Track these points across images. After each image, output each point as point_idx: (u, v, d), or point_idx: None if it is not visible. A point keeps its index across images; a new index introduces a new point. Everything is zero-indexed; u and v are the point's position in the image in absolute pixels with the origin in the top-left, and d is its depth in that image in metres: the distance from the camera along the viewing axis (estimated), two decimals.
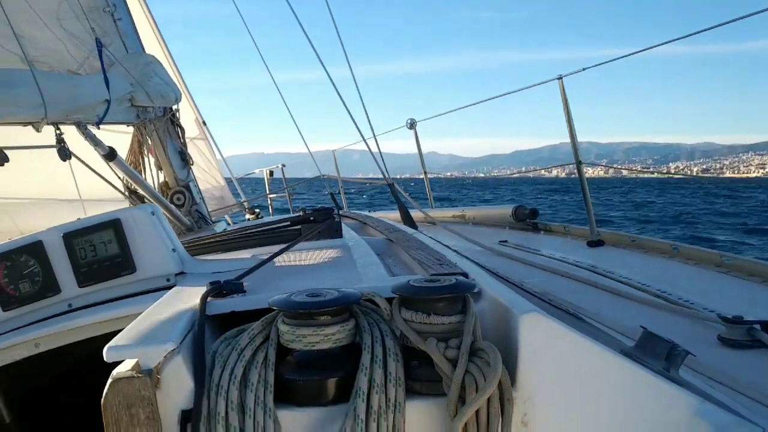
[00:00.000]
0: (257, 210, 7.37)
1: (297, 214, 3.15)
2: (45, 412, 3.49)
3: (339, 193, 7.24)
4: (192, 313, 1.60)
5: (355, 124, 4.56)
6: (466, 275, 1.77)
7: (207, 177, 7.10)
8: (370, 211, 5.46)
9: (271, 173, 7.88)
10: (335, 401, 1.34)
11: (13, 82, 3.21)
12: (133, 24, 4.81)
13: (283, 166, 7.89)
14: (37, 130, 3.42)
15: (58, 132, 3.63)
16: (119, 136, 4.85)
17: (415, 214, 4.44)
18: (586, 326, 1.63)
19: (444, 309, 1.37)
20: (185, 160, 4.96)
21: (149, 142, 4.77)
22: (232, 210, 7.37)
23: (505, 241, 3.69)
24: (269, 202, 7.98)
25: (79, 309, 2.27)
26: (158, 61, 4.86)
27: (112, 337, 1.38)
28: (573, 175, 3.76)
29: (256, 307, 1.61)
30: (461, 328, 1.36)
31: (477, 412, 1.26)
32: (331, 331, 1.35)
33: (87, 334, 2.16)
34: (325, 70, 4.51)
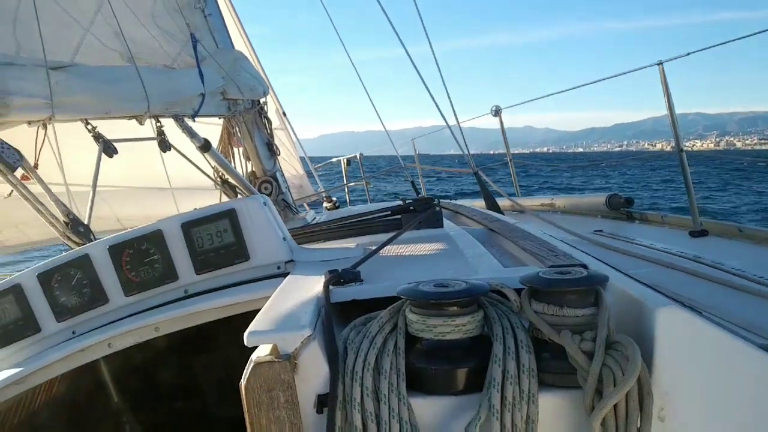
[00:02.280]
0: (334, 199, 7.46)
1: (397, 204, 3.18)
2: (148, 393, 3.66)
3: (418, 179, 7.24)
4: (316, 300, 1.65)
5: (440, 112, 4.55)
6: (585, 266, 1.76)
7: (286, 166, 7.24)
8: (450, 200, 5.45)
9: (348, 162, 7.95)
10: (465, 391, 1.36)
11: (120, 78, 3.36)
12: (222, 19, 4.95)
13: (361, 155, 7.95)
14: (141, 123, 3.57)
15: (158, 125, 3.79)
16: (208, 128, 5.00)
17: (503, 202, 4.40)
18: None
19: (576, 301, 1.36)
20: (272, 150, 5.08)
21: (238, 133, 4.90)
22: (311, 199, 7.49)
23: (600, 231, 3.61)
24: (346, 190, 8.06)
25: (195, 295, 2.36)
26: (245, 56, 4.99)
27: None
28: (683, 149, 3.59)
29: (380, 295, 1.65)
30: (593, 321, 1.35)
31: (615, 406, 1.26)
32: (462, 322, 1.37)
33: (204, 319, 2.26)
34: (409, 56, 4.50)
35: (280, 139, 7.26)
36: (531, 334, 1.40)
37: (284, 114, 7.39)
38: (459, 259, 2.18)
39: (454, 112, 4.86)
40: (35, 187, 2.84)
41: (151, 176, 5.88)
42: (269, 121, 5.12)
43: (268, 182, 5.01)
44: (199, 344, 3.63)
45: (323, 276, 1.84)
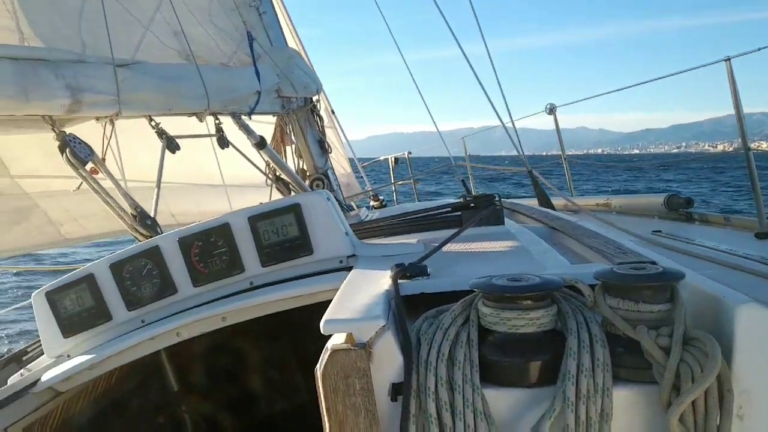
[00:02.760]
0: (381, 197, 7.48)
1: (457, 200, 3.18)
2: (205, 383, 3.75)
3: (468, 178, 7.20)
4: (386, 293, 1.68)
5: (494, 108, 4.53)
6: (655, 263, 1.75)
7: (334, 165, 7.30)
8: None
9: (396, 160, 7.96)
10: (538, 384, 1.36)
11: (182, 76, 3.44)
12: (276, 17, 5.02)
13: (409, 153, 7.95)
14: (201, 120, 3.66)
15: (217, 122, 3.87)
16: (259, 127, 5.09)
17: (557, 202, 4.35)
18: None
19: (652, 297, 1.35)
20: (323, 148, 5.14)
21: (291, 131, 4.96)
22: (358, 198, 7.53)
23: (659, 231, 3.54)
24: (394, 189, 8.07)
25: (260, 287, 2.42)
26: (299, 54, 5.06)
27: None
28: (744, 151, 3.49)
29: (450, 289, 1.67)
30: (669, 317, 1.34)
31: (693, 403, 1.25)
32: (536, 316, 1.38)
33: (269, 310, 2.32)
34: (464, 55, 4.50)
35: (328, 137, 7.33)
36: (604, 329, 1.40)
37: (333, 112, 7.45)
38: (524, 256, 2.18)
39: (507, 109, 4.81)
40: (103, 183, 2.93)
41: (204, 174, 6.00)
42: (321, 119, 5.18)
43: (320, 180, 5.07)
44: (257, 337, 3.70)
45: (388, 270, 1.87)
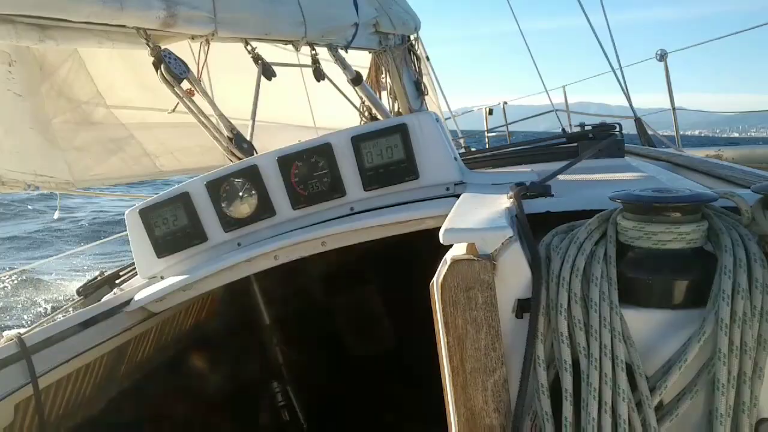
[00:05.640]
0: (473, 149, 7.24)
1: (574, 131, 2.93)
2: (296, 318, 3.70)
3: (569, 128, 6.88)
4: (507, 209, 1.53)
5: (604, 53, 4.20)
6: None
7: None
8: None
9: (491, 111, 7.69)
10: (683, 305, 1.21)
11: (279, 0, 3.28)
12: None
13: (505, 103, 7.64)
14: (297, 49, 3.50)
15: (313, 53, 3.71)
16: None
17: (666, 153, 4.03)
18: None
19: None
20: (420, 89, 4.91)
21: (387, 70, 4.76)
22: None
23: None
24: (486, 139, 7.81)
25: (361, 212, 2.27)
26: None
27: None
28: None
29: (579, 208, 1.52)
30: None
31: None
32: (686, 230, 1.20)
33: (369, 236, 2.18)
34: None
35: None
36: (763, 250, 1.22)
37: (428, 58, 7.19)
38: (655, 183, 1.93)
39: (617, 56, 4.48)
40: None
41: (293, 115, 5.92)
42: (419, 59, 4.94)
43: None
44: (350, 274, 3.60)
45: (503, 195, 1.69)
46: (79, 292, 2.86)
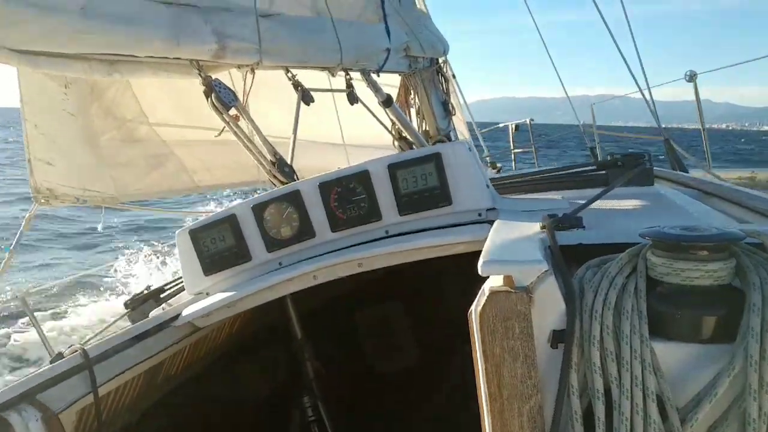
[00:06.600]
0: (499, 165, 7.34)
1: (605, 158, 3.04)
2: (326, 333, 3.84)
3: (596, 147, 6.93)
4: (540, 240, 1.62)
5: (630, 72, 4.30)
6: None
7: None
8: None
9: (517, 127, 7.78)
10: (711, 340, 1.27)
11: (317, 29, 3.47)
12: None
13: (531, 120, 7.74)
14: (333, 75, 3.67)
15: (347, 77, 3.89)
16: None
17: (694, 173, 4.10)
18: None
19: None
20: (447, 110, 5.06)
21: (416, 92, 4.92)
22: None
23: None
24: (513, 156, 7.90)
25: (395, 236, 2.41)
26: (427, 14, 4.99)
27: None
28: None
29: (610, 241, 1.59)
30: None
31: None
32: (714, 267, 1.27)
33: (404, 259, 2.31)
34: (603, 20, 4.27)
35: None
36: None
37: (453, 76, 7.34)
38: (683, 215, 2.05)
39: (645, 76, 4.57)
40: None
41: (324, 133, 6.09)
42: (446, 80, 5.10)
43: (442, 142, 5.01)
44: (379, 293, 3.74)
45: (535, 223, 1.80)
46: (126, 305, 3.04)
